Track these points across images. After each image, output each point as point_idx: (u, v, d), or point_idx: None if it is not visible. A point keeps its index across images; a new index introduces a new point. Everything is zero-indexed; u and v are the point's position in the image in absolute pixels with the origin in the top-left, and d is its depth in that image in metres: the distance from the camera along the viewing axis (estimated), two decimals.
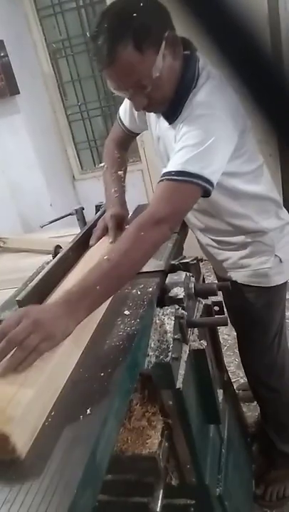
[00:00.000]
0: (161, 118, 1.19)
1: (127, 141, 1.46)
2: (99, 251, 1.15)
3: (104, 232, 1.23)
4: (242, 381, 2.18)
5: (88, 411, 0.64)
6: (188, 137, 1.02)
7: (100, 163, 3.53)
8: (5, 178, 2.78)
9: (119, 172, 1.36)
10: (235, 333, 1.69)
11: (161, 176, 1.02)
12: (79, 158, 3.56)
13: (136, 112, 1.33)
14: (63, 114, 3.42)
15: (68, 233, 1.87)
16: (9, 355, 0.69)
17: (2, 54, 2.76)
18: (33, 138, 3.05)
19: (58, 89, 3.36)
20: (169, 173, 1.00)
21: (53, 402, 0.68)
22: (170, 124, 1.16)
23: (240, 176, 1.19)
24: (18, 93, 2.85)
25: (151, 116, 1.27)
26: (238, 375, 2.24)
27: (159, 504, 0.92)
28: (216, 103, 1.05)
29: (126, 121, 1.40)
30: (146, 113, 1.28)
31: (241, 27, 0.28)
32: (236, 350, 2.37)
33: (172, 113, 1.13)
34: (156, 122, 1.24)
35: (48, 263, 1.17)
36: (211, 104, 1.05)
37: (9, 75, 2.79)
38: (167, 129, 1.18)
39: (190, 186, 1.00)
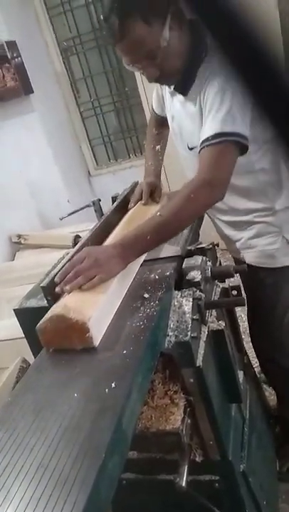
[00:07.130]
0: (175, 97, 1.28)
1: (162, 120, 1.55)
2: (136, 213, 1.38)
3: (140, 196, 1.43)
4: None
5: (113, 384, 0.68)
6: (213, 100, 1.09)
7: (115, 158, 3.58)
8: (23, 177, 2.83)
9: (157, 147, 1.53)
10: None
11: (201, 144, 1.11)
12: (94, 154, 3.60)
13: (161, 96, 1.46)
14: (77, 111, 3.47)
15: (87, 228, 1.90)
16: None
17: (15, 55, 2.81)
18: (49, 136, 3.10)
19: (71, 86, 3.41)
20: (207, 140, 1.09)
21: (113, 313, 0.91)
22: (185, 95, 1.23)
23: (254, 144, 1.18)
24: (32, 92, 2.90)
25: (167, 97, 1.36)
26: None
27: (184, 480, 0.95)
28: None
29: (155, 106, 1.55)
30: (163, 94, 1.40)
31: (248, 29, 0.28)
32: None
33: (185, 84, 1.20)
34: (171, 102, 1.33)
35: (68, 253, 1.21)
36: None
37: (23, 75, 2.84)
38: (181, 106, 1.26)
39: (229, 145, 1.08)
